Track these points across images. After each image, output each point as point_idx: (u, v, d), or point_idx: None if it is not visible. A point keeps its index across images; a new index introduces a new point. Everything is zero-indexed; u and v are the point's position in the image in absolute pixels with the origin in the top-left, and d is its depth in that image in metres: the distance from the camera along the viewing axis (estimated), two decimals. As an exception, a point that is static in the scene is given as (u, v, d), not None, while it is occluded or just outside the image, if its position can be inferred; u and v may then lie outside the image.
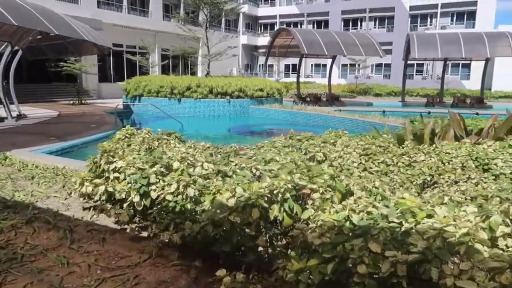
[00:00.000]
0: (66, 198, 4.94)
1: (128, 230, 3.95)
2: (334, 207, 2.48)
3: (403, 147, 4.67)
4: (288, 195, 2.62)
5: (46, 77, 25.80)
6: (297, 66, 28.36)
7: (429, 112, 19.96)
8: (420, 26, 39.23)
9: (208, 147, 4.31)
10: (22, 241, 3.69)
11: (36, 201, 4.79)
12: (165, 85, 16.86)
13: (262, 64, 48.32)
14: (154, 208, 3.28)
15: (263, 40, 46.72)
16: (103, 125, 12.18)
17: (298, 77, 28.05)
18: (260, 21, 48.13)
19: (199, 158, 3.46)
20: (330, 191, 2.63)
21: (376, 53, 23.70)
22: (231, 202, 2.79)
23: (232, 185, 2.84)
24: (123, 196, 3.64)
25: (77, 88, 21.88)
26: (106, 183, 3.86)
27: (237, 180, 3.03)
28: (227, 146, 4.52)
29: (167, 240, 3.52)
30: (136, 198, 3.40)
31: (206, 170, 3.33)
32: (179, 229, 3.09)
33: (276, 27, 48.31)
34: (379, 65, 40.84)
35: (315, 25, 44.42)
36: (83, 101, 21.77)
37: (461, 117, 6.28)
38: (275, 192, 2.62)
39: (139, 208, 3.44)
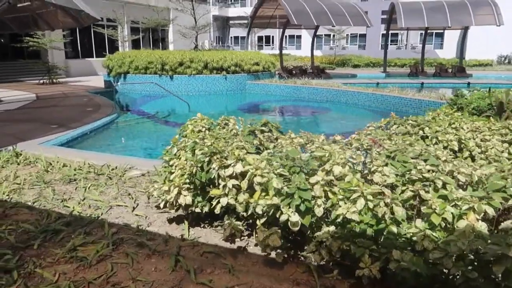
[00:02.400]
0: (134, 208, 3.99)
1: (249, 249, 3.13)
2: None
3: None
4: None
5: (4, 54, 23.35)
6: (280, 38, 27.27)
7: (422, 84, 19.82)
8: (394, -5, 38.86)
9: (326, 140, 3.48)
10: (126, 277, 2.80)
11: (101, 214, 3.82)
12: (155, 61, 15.44)
13: (234, 36, 46.76)
14: (330, 229, 2.47)
15: (234, 11, 44.94)
16: (100, 108, 10.87)
17: (281, 50, 27.03)
18: (230, -9, 46.07)
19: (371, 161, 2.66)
20: None
21: (363, 23, 23.09)
22: (482, 227, 2.04)
23: (473, 202, 2.09)
24: (259, 211, 2.79)
25: (47, 65, 19.81)
26: (225, 194, 2.98)
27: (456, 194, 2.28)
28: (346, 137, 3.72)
29: (316, 263, 2.76)
30: (294, 217, 2.57)
31: (387, 176, 2.55)
32: (374, 258, 2.32)
33: (248, -3, 46.52)
34: (354, 36, 40.46)
35: (288, -6, 42.98)
36: (54, 80, 19.80)
37: None
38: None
39: (295, 229, 2.62)
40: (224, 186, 3.03)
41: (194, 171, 3.21)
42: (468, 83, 19.86)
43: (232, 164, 3.07)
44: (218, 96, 15.36)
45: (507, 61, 33.26)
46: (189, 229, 3.49)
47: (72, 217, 3.73)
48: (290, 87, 14.79)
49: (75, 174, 4.97)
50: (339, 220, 2.43)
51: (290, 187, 2.61)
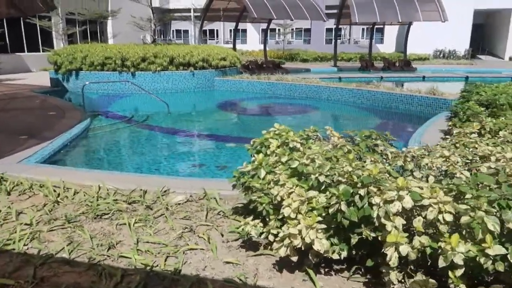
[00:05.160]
0: (213, 250, 3.07)
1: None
2: None
3: None
4: None
5: None
6: (234, 32, 26.46)
7: (381, 77, 20.15)
8: (337, -10, 39.67)
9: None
10: None
11: (180, 265, 2.85)
12: (113, 56, 13.82)
13: (176, 30, 44.86)
14: None
15: (176, 3, 42.98)
16: (65, 112, 9.34)
17: (234, 44, 26.20)
18: (170, -18, 43.91)
19: None
20: None
21: (319, 17, 23.06)
22: None
23: None
24: (459, 261, 2.09)
25: (-25, 62, 17.13)
26: (399, 240, 2.24)
27: None
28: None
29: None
30: (536, 272, 1.91)
31: None
32: None
33: (189, -11, 44.77)
34: (299, 30, 40.69)
35: (232, -13, 42.05)
36: (-17, 79, 17.20)
37: None
38: None
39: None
40: (394, 227, 2.28)
41: (340, 207, 2.41)
42: (423, 77, 20.61)
43: (396, 197, 2.33)
44: (186, 94, 14.19)
45: (442, 55, 35.42)
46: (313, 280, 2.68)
47: (144, 273, 2.74)
48: (264, 83, 14.06)
49: (98, 205, 3.86)
50: None
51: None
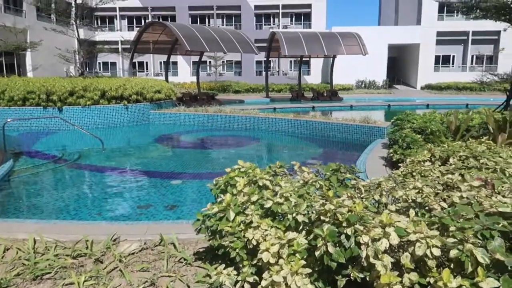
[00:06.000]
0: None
1: None
2: None
3: None
4: None
5: None
6: (165, 64, 26.14)
7: (313, 107, 20.97)
8: (264, 24, 41.38)
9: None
10: None
11: (147, 329, 2.50)
12: (37, 90, 12.79)
13: (102, 62, 43.29)
14: None
15: (102, 35, 41.69)
16: (-19, 153, 8.30)
17: (166, 76, 25.86)
18: (96, 13, 42.65)
19: None
20: None
21: (251, 50, 23.63)
22: None
23: None
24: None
25: None
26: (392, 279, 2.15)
27: None
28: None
29: None
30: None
31: None
32: None
33: (117, 21, 43.88)
34: (230, 62, 41.43)
35: (161, 20, 41.98)
36: None
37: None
38: None
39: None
40: (383, 266, 2.19)
41: (327, 249, 2.27)
42: (351, 106, 21.84)
43: (381, 235, 2.26)
44: (120, 129, 13.47)
45: (363, 85, 38.05)
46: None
47: None
48: (202, 115, 13.86)
49: (37, 263, 3.34)
50: None
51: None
